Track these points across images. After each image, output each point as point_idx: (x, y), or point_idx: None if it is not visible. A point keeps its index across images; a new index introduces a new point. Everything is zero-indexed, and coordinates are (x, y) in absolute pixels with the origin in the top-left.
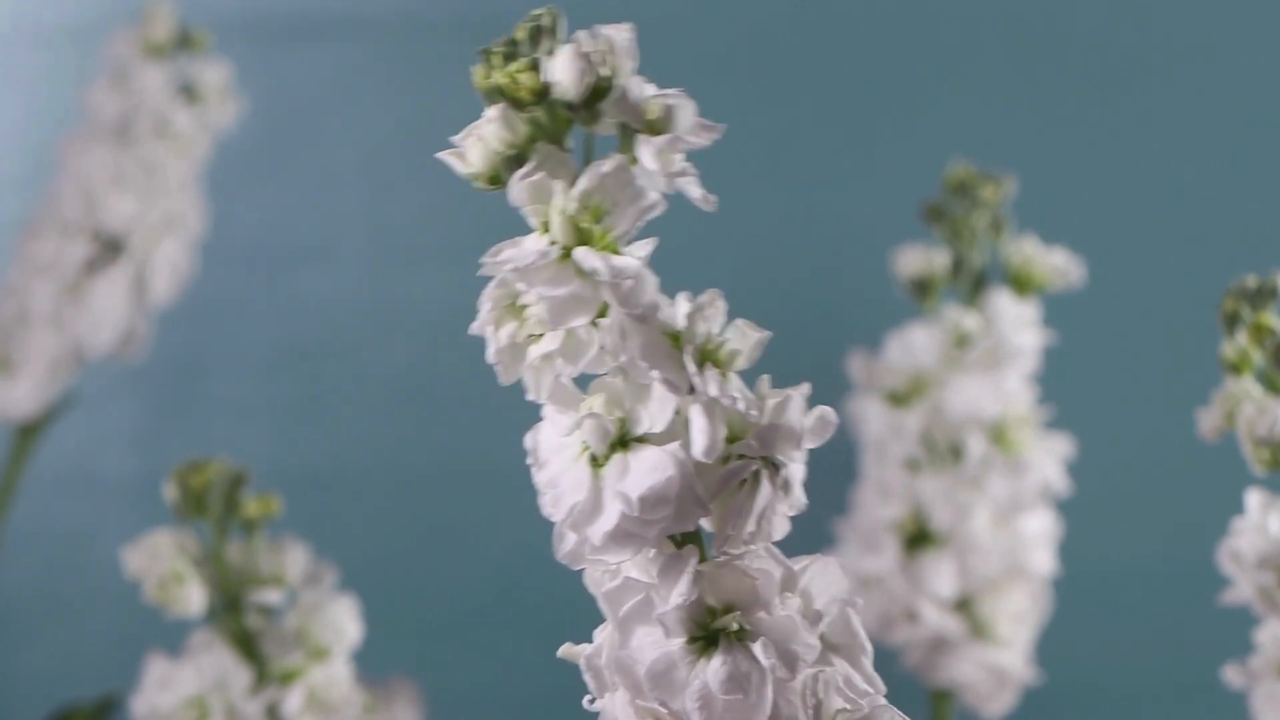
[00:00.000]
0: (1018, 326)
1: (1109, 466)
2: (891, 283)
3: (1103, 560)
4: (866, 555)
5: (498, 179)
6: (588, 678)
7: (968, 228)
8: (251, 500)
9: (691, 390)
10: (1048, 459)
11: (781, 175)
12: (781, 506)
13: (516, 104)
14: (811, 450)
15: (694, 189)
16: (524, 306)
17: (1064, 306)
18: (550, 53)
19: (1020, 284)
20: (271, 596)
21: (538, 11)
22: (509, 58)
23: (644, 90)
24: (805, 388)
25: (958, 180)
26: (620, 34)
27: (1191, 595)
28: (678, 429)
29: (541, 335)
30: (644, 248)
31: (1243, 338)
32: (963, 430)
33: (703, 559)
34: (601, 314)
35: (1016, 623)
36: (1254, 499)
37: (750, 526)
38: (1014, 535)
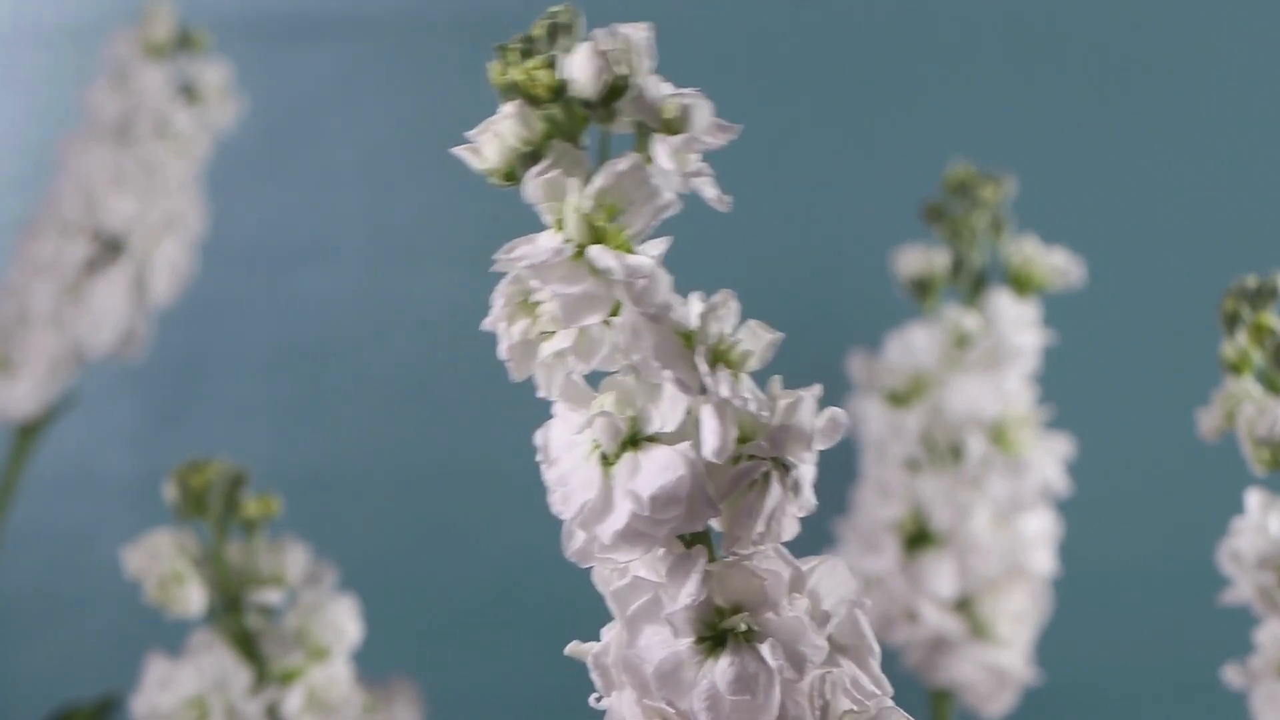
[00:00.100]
0: (1018, 326)
1: (1109, 466)
2: (891, 283)
3: (1103, 560)
4: (866, 555)
5: (513, 175)
6: (595, 676)
7: (968, 228)
8: (251, 500)
9: (703, 390)
10: (1048, 459)
11: (781, 175)
12: (791, 507)
13: (533, 101)
14: None
15: (709, 189)
16: (537, 303)
17: (1064, 306)
18: (567, 50)
19: (1020, 284)
20: (271, 596)
21: (555, 8)
22: (526, 54)
23: (661, 89)
24: (817, 389)
25: (958, 180)
26: (638, 33)
27: (1191, 595)
28: (689, 429)
29: (554, 332)
30: (657, 246)
31: (1243, 338)
32: (963, 430)
33: (711, 559)
34: (614, 312)
35: (1016, 623)
36: (1254, 499)
37: (760, 527)
38: (1014, 535)
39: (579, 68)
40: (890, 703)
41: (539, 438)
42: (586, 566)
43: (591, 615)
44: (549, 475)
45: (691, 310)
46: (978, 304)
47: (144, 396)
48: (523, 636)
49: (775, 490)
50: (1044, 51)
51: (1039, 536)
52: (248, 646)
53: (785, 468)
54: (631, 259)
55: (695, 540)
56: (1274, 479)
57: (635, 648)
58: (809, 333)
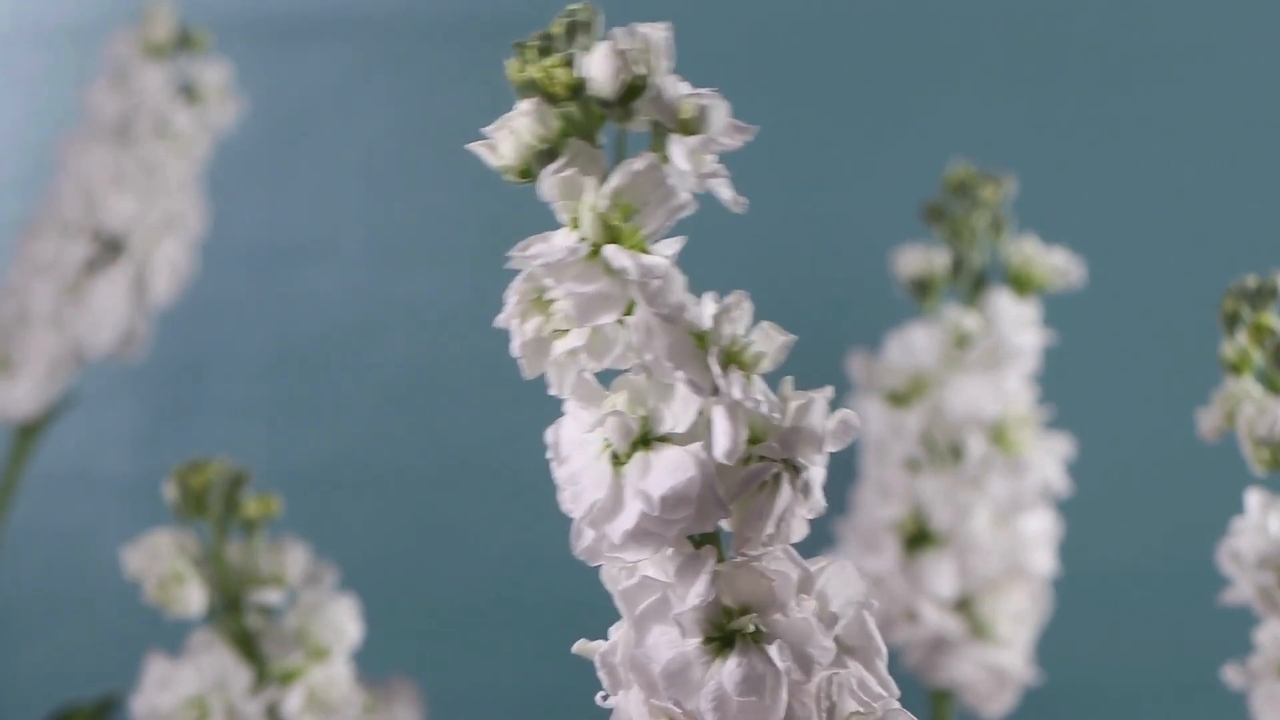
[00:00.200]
0: (1018, 326)
1: (1109, 466)
2: (891, 283)
3: (1103, 560)
4: (866, 555)
5: (528, 172)
6: (602, 675)
7: (968, 228)
8: (251, 500)
9: (715, 391)
10: (1048, 459)
11: (781, 175)
12: (801, 509)
13: (550, 99)
14: None
15: (725, 190)
16: (550, 301)
17: (1064, 306)
18: (586, 48)
19: (1020, 284)
20: (271, 596)
21: (574, 6)
22: (544, 52)
23: (679, 89)
24: (828, 391)
25: (958, 180)
26: (657, 32)
27: (1191, 595)
28: (700, 429)
29: (567, 330)
30: (671, 246)
31: (1243, 338)
32: (963, 430)
33: (720, 559)
34: (628, 311)
35: (1016, 623)
36: (1254, 499)
37: (770, 529)
38: (1014, 535)
39: (597, 67)
40: (896, 705)
41: (549, 435)
42: (595, 565)
43: (592, 615)
44: (559, 473)
45: (705, 311)
46: (978, 304)
47: (144, 396)
48: (523, 636)
49: (785, 492)
50: (1044, 51)
51: (1039, 536)
52: (248, 646)
53: (796, 469)
54: (646, 259)
55: (704, 540)
56: (1274, 479)
57: (643, 647)
58: (809, 333)
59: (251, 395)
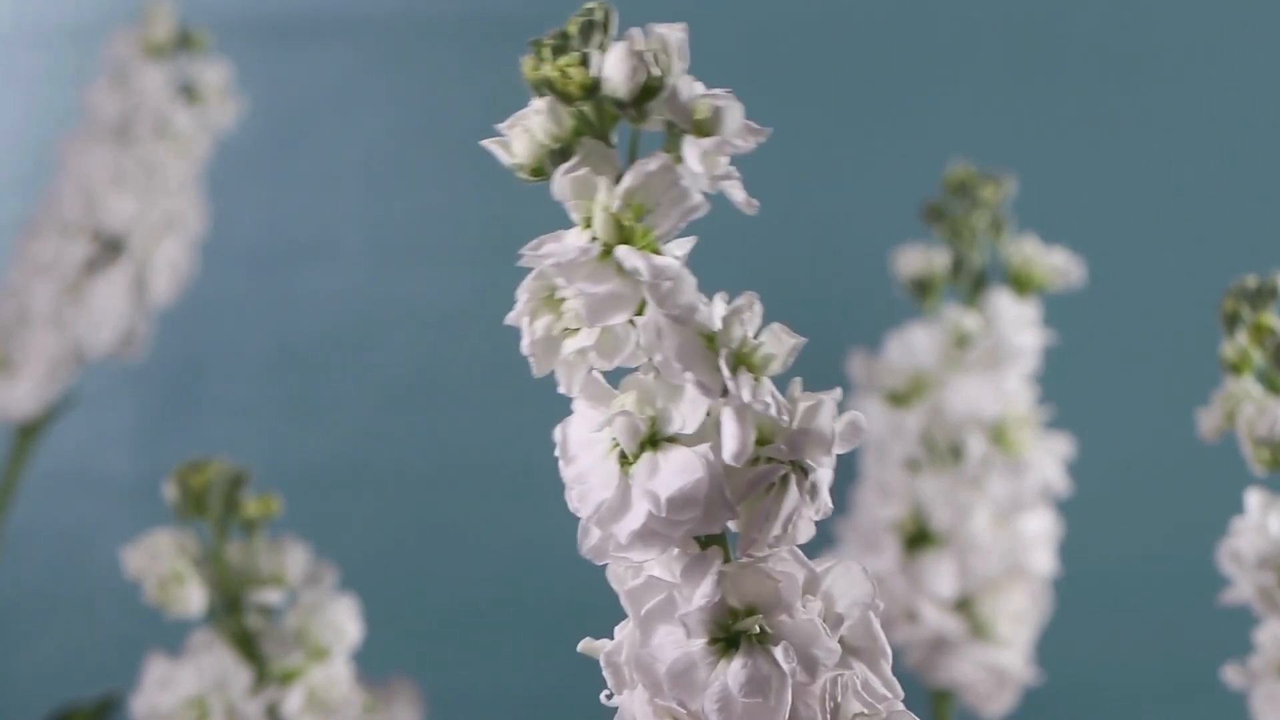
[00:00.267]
0: (1018, 326)
1: (1109, 466)
2: (891, 283)
3: (1103, 560)
4: (866, 555)
5: (541, 171)
6: (607, 674)
7: (968, 228)
8: (251, 500)
9: (724, 393)
10: (1048, 459)
11: (781, 175)
12: (808, 511)
13: (565, 98)
14: None
15: (737, 192)
16: (561, 300)
17: (1064, 306)
18: (601, 48)
19: (1020, 284)
20: (271, 596)
21: (590, 5)
22: (559, 51)
23: (694, 90)
24: (837, 392)
25: (958, 180)
26: (674, 33)
27: (1191, 595)
28: (708, 430)
29: (577, 330)
30: (682, 247)
31: (1243, 338)
32: (963, 430)
33: (726, 560)
34: (639, 312)
35: (1016, 623)
36: (1254, 499)
37: (776, 530)
38: (1014, 535)
39: (613, 67)
40: (901, 706)
41: (557, 434)
42: (600, 564)
43: (592, 614)
44: (566, 473)
45: (715, 312)
46: (978, 304)
47: (144, 396)
48: (523, 636)
49: (793, 493)
50: (1044, 51)
51: (1039, 536)
52: (248, 646)
53: (804, 471)
54: (659, 260)
55: (711, 541)
56: (1274, 479)
57: (648, 647)
58: (809, 333)
59: (251, 395)
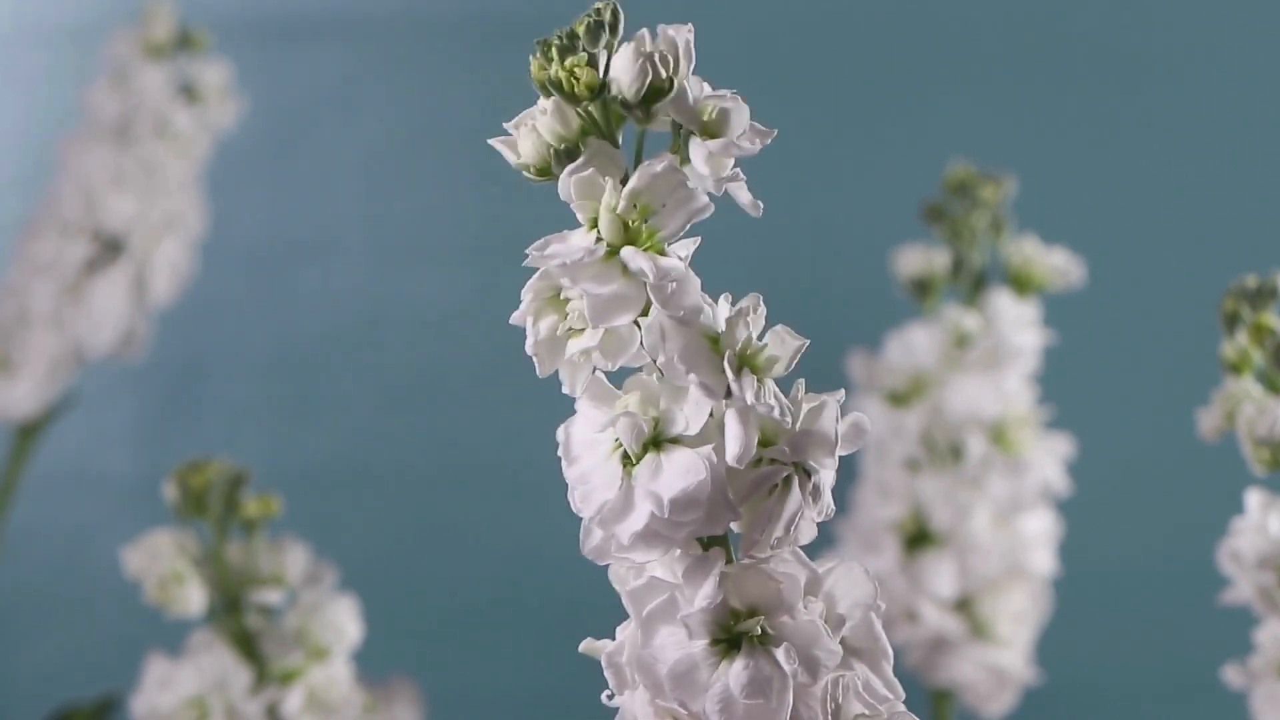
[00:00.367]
0: (1018, 326)
1: (1109, 466)
2: (891, 283)
3: (1103, 560)
4: (866, 555)
5: (547, 170)
6: (608, 674)
7: (968, 228)
8: (251, 500)
9: (728, 395)
10: (1048, 459)
11: (781, 175)
12: (810, 512)
13: (572, 98)
14: None
15: (743, 194)
16: (566, 300)
17: (1064, 306)
18: (608, 49)
19: (1020, 284)
20: (271, 596)
21: (598, 5)
22: (566, 51)
23: (700, 91)
24: (840, 394)
25: (958, 180)
26: (681, 34)
27: (1191, 595)
28: (711, 432)
29: (582, 330)
30: (686, 248)
31: (1243, 338)
32: (963, 430)
33: (729, 561)
34: (644, 313)
35: (1016, 623)
36: (1254, 499)
37: (779, 531)
38: (1014, 535)
39: (621, 69)
40: (902, 707)
41: (560, 434)
42: (602, 565)
43: (591, 615)
44: (569, 473)
45: (719, 314)
46: (978, 304)
47: (144, 396)
48: (523, 636)
49: (795, 495)
50: (1044, 51)
51: (1039, 536)
52: (248, 646)
53: (806, 473)
54: (664, 261)
55: (713, 542)
56: (1274, 479)
57: (650, 648)
58: (809, 332)
59: (251, 395)
